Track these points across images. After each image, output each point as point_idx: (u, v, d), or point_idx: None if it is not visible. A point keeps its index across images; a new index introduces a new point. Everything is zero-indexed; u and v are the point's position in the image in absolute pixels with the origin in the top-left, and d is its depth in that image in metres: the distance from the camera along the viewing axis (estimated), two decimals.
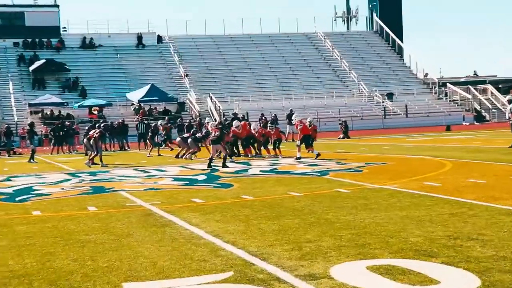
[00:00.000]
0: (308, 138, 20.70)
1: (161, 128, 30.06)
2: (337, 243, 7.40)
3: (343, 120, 39.85)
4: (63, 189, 14.95)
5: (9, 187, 15.74)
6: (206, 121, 26.82)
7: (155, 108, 49.90)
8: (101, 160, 21.93)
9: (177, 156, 24.08)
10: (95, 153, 22.05)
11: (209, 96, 52.47)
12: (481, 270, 5.92)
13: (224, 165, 18.72)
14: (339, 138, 36.44)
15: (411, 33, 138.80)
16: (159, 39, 62.59)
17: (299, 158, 20.03)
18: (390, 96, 56.10)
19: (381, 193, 11.54)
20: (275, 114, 38.62)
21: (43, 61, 53.84)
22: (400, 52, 66.14)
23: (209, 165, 18.82)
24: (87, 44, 59.66)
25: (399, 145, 26.64)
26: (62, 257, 7.31)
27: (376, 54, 65.10)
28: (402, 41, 67.51)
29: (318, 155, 20.20)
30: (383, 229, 8.12)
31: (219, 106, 50.61)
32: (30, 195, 13.68)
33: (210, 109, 51.22)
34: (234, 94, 54.07)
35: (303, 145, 20.66)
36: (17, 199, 13.22)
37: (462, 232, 7.67)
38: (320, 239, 7.65)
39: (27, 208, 11.76)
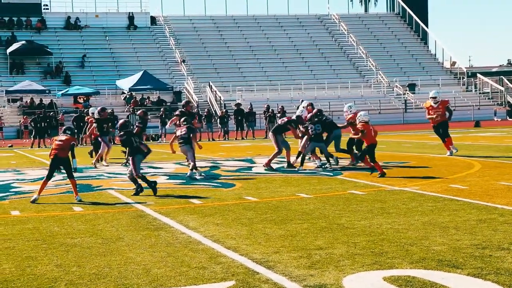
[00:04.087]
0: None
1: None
2: (350, 250, 7.47)
3: None
4: None
5: None
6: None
7: (148, 97, 49.98)
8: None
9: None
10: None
11: (209, 85, 52.54)
12: None
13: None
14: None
15: (437, 16, 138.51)
16: (153, 20, 62.66)
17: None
18: (412, 87, 56.06)
19: (401, 196, 11.60)
20: (282, 106, 38.63)
21: (22, 43, 53.92)
22: (424, 37, 66.05)
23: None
24: (72, 24, 59.74)
25: (421, 143, 26.67)
26: (45, 263, 7.38)
27: (397, 40, 65.05)
28: (427, 25, 67.43)
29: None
30: (402, 236, 8.18)
31: (219, 97, 50.67)
32: (8, 193, 13.77)
33: (210, 100, 51.30)
34: (237, 83, 54.13)
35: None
36: None
37: (492, 241, 7.72)
38: (331, 246, 7.71)
39: (5, 207, 11.85)
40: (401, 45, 64.42)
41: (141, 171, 13.28)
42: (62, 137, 12.86)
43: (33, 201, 12.17)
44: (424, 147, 24.30)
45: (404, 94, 55.09)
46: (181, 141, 16.24)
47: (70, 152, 12.70)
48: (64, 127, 13.65)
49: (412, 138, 30.94)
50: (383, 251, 7.39)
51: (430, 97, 19.72)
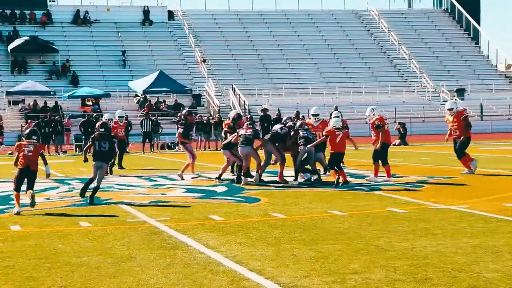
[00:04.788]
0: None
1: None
2: (390, 276, 7.44)
3: (400, 122, 39.74)
4: (48, 199, 15.20)
5: None
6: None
7: (164, 101, 50.23)
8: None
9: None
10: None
11: (232, 88, 52.68)
12: None
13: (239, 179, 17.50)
14: (394, 145, 36.37)
15: (490, 13, 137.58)
16: (170, 14, 63.04)
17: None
18: (461, 92, 55.74)
19: (447, 215, 11.53)
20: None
21: (25, 38, 54.52)
22: (475, 37, 65.68)
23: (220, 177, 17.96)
24: (81, 19, 60.30)
25: (471, 156, 26.49)
26: (48, 283, 7.45)
27: (444, 39, 64.78)
28: (478, 23, 67.07)
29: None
30: (449, 260, 8.13)
31: (244, 101, 50.79)
32: (8, 206, 13.90)
33: (233, 104, 51.41)
34: (263, 86, 54.20)
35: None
36: None
37: None
38: (368, 270, 7.69)
39: (4, 221, 11.99)
40: (449, 45, 64.12)
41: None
42: (30, 145, 13.24)
43: (17, 213, 12.59)
44: None
45: (452, 100, 54.76)
46: (244, 141, 17.03)
47: (42, 159, 13.34)
48: (28, 130, 13.92)
49: None
50: (427, 277, 7.35)
51: (446, 109, 19.51)
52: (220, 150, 20.41)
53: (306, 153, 17.49)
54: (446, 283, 7.07)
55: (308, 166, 17.73)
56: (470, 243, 9.10)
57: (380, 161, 17.55)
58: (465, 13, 65.84)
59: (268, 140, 17.75)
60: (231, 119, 18.98)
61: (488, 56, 64.31)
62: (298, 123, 18.49)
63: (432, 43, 63.79)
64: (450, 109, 19.27)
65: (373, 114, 17.86)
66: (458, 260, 8.12)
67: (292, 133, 17.75)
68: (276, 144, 17.72)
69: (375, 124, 17.60)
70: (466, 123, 19.15)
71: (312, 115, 19.63)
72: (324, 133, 17.01)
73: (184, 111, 20.94)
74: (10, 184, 18.54)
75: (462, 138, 18.98)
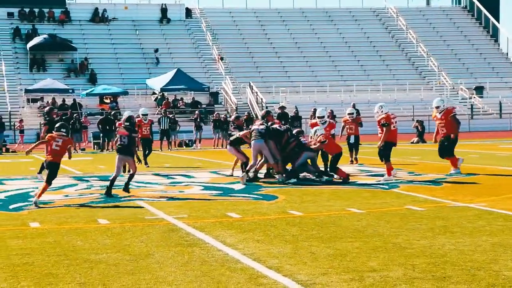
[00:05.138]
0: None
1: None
2: (408, 273, 7.43)
3: (418, 119, 39.63)
4: (67, 196, 15.27)
5: (0, 192, 16.12)
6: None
7: (182, 98, 50.31)
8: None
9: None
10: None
11: (249, 86, 52.69)
12: None
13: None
14: (412, 142, 36.31)
15: (510, 10, 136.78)
16: (188, 12, 63.12)
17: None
18: (479, 90, 55.46)
19: (466, 213, 11.50)
20: (331, 110, 38.53)
21: (43, 37, 54.74)
22: (495, 34, 65.30)
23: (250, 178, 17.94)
24: (99, 17, 60.50)
25: (489, 153, 26.39)
26: (67, 280, 7.49)
27: (463, 37, 64.46)
28: (498, 20, 66.68)
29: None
30: (468, 258, 8.11)
31: (261, 98, 50.77)
32: (27, 203, 13.98)
33: (250, 102, 51.42)
34: (281, 84, 54.16)
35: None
36: (11, 207, 13.55)
37: None
38: (387, 268, 7.69)
39: (23, 218, 12.05)
40: (467, 42, 63.81)
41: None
42: (59, 139, 14.10)
43: (35, 204, 13.34)
44: (493, 158, 24.05)
45: (471, 98, 54.52)
46: (258, 134, 17.19)
47: (68, 152, 14.24)
48: (58, 124, 14.77)
49: (479, 148, 30.57)
50: (446, 275, 7.34)
51: (434, 107, 19.28)
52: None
53: (309, 159, 17.67)
54: (465, 281, 7.05)
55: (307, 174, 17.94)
56: (489, 241, 9.06)
57: (383, 159, 17.48)
58: (484, 10, 65.48)
59: (269, 139, 17.76)
60: (260, 116, 19.26)
61: (507, 53, 63.93)
62: (295, 130, 18.76)
63: (451, 40, 63.50)
64: (437, 107, 19.07)
65: (381, 111, 17.79)
66: (477, 258, 8.09)
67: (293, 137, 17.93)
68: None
69: (381, 122, 17.55)
70: (455, 121, 18.99)
71: (318, 117, 19.58)
72: (322, 138, 17.61)
73: (232, 117, 21.55)
74: (28, 181, 18.71)
75: (452, 136, 18.80)
